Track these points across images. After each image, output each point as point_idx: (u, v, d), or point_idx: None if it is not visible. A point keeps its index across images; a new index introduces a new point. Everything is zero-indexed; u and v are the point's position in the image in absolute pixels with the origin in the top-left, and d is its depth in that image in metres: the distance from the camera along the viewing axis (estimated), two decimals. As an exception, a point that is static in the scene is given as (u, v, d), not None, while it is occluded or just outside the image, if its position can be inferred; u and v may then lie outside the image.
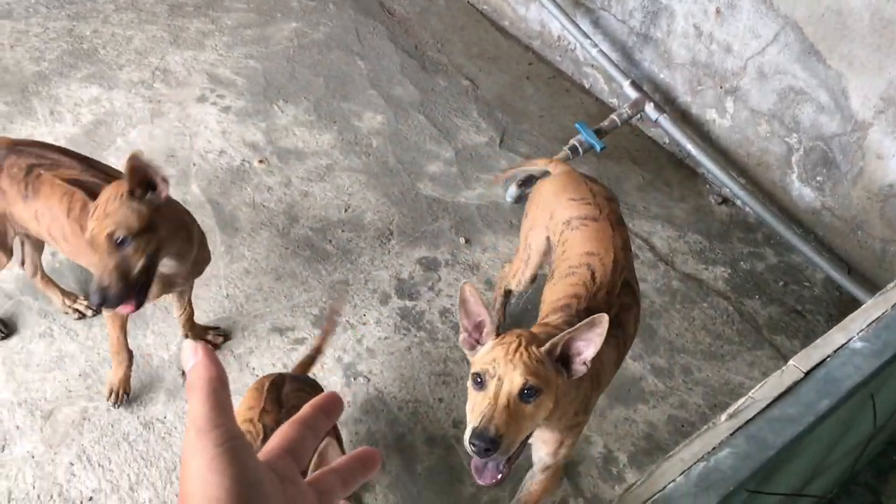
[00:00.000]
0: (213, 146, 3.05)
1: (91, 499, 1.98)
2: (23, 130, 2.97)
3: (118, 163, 2.91)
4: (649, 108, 3.09)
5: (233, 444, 0.53)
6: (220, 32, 3.66)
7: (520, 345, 1.54)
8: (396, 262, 2.75)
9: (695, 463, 0.92)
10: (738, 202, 3.11)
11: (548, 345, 1.56)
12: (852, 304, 2.81)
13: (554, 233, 2.05)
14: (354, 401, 2.33)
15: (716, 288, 2.83)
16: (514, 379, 1.49)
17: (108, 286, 1.66)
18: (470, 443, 1.47)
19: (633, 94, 3.12)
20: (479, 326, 1.64)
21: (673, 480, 0.89)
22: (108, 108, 3.15)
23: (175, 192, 2.83)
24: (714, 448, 0.95)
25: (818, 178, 2.87)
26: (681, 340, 2.64)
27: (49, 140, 2.93)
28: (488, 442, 1.45)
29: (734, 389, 2.51)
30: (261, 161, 3.02)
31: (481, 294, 1.63)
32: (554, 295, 1.91)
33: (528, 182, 2.96)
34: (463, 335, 1.65)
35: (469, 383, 1.58)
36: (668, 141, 3.34)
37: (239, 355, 2.40)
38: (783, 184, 3.00)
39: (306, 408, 0.65)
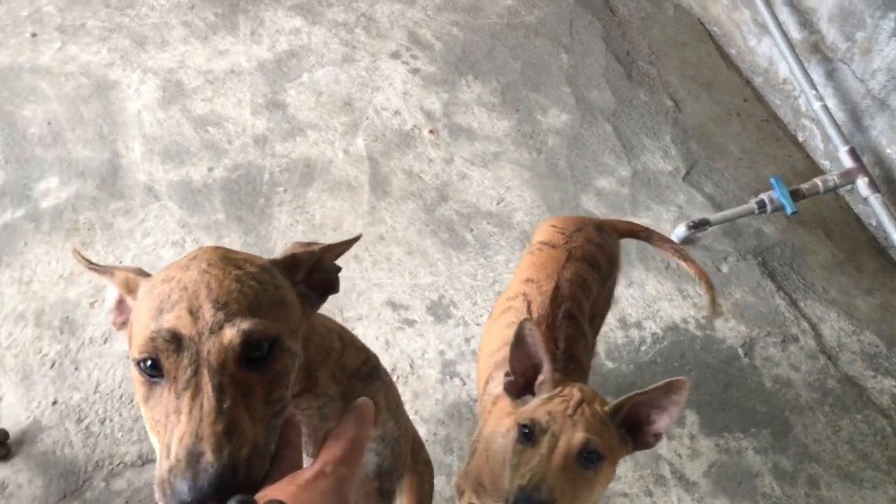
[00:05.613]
0: (391, 104, 3.02)
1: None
2: (222, 44, 3.07)
3: (297, 96, 2.95)
4: (862, 183, 2.70)
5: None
6: (435, -8, 3.61)
7: (582, 400, 1.30)
8: (532, 271, 2.59)
9: None
10: (938, 314, 2.67)
11: (611, 405, 1.31)
12: None
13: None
14: (443, 401, 2.22)
15: (878, 402, 2.45)
16: (574, 436, 1.24)
17: None
18: None
19: (848, 162, 2.74)
20: (533, 370, 1.39)
21: None
22: (306, 41, 3.19)
23: (339, 142, 2.84)
24: None
25: None
26: (817, 448, 2.31)
27: (242, 60, 3.02)
28: None
29: (864, 524, 2.16)
30: (431, 131, 2.95)
31: (543, 335, 1.42)
32: (491, 343, 1.64)
33: (699, 225, 2.69)
34: (507, 379, 1.39)
35: (511, 437, 1.33)
36: (874, 223, 2.93)
37: (347, 319, 2.36)
38: None
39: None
